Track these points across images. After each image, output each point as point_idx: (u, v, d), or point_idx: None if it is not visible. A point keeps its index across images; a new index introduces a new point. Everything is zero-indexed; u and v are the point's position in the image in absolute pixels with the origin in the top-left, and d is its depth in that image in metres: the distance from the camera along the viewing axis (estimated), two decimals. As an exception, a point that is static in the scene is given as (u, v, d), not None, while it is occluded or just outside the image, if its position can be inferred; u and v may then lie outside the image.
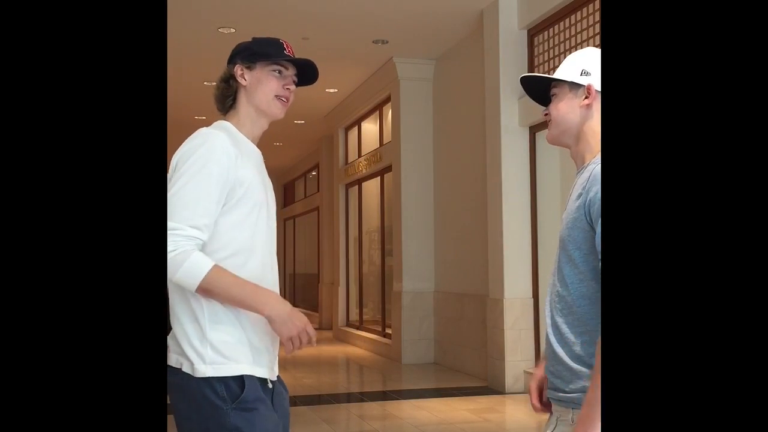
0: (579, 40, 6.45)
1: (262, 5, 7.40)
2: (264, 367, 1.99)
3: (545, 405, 1.93)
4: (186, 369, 1.92)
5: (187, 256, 1.84)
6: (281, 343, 1.98)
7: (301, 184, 17.85)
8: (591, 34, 6.27)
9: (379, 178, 10.86)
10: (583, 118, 1.84)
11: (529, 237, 7.09)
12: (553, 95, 1.90)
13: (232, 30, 7.99)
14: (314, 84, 2.20)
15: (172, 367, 1.95)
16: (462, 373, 8.30)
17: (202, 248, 1.91)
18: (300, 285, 18.12)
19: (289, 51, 2.09)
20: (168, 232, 1.83)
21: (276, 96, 2.08)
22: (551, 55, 6.90)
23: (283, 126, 12.26)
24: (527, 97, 7.66)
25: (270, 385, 2.02)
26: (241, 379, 1.92)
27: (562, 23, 6.71)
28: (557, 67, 7.60)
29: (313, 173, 16.33)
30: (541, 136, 7.01)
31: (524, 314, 7.04)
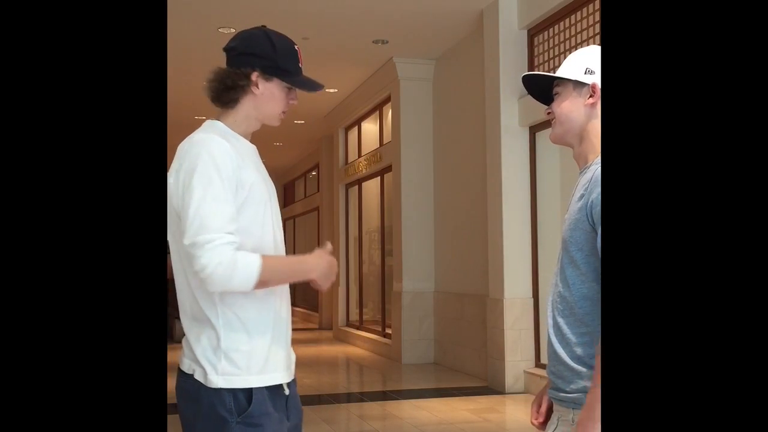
0: (579, 40, 6.45)
1: (262, 5, 7.40)
2: (280, 372, 1.98)
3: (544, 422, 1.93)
4: (198, 377, 1.90)
5: (234, 262, 1.82)
6: (318, 284, 2.02)
7: (301, 184, 17.84)
8: (591, 34, 6.27)
9: (379, 178, 10.86)
10: (587, 117, 1.83)
11: (529, 237, 7.09)
12: (555, 94, 1.89)
13: (232, 30, 7.98)
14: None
15: (183, 372, 1.94)
16: (462, 373, 8.30)
17: None
18: (300, 285, 17.92)
19: (300, 59, 2.07)
20: (206, 246, 1.80)
21: (282, 111, 2.07)
22: (551, 55, 6.90)
23: (283, 126, 12.17)
24: (527, 97, 7.64)
25: (286, 390, 2.01)
26: (249, 392, 1.90)
27: (562, 23, 6.70)
28: (557, 66, 7.58)
29: (313, 173, 16.33)
30: (541, 136, 7.01)
31: (524, 314, 7.04)
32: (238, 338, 1.91)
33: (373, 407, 6.73)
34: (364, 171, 11.26)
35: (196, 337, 1.93)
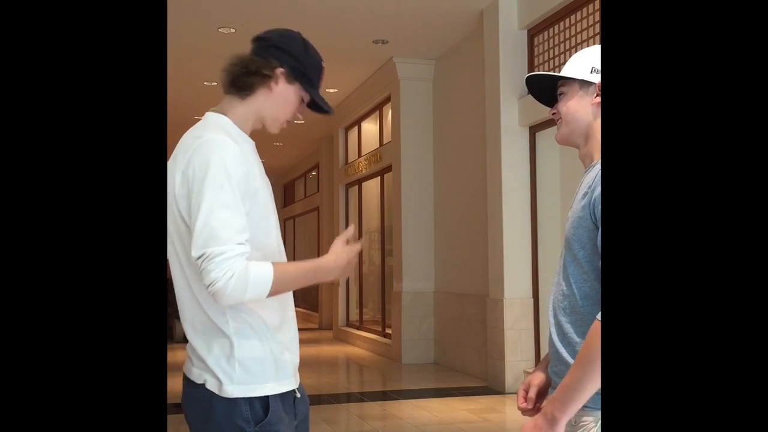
0: (579, 40, 6.45)
1: (262, 5, 7.40)
2: (289, 378, 1.95)
3: (532, 408, 1.93)
4: (210, 386, 1.86)
5: (247, 275, 1.76)
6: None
7: (301, 184, 17.83)
8: (591, 34, 6.27)
9: (379, 178, 10.86)
10: (594, 116, 1.82)
11: (529, 237, 7.09)
12: (560, 94, 1.87)
13: (232, 30, 7.99)
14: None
15: (192, 381, 1.89)
16: (462, 373, 8.30)
17: None
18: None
19: (322, 78, 2.08)
20: (216, 259, 1.74)
21: (287, 119, 2.04)
22: (551, 55, 6.90)
23: (283, 126, 12.24)
24: (527, 97, 7.61)
25: (298, 394, 2.00)
26: (266, 400, 1.87)
27: (562, 23, 6.70)
28: (557, 66, 7.54)
29: (313, 173, 16.33)
30: (541, 136, 7.01)
31: (524, 314, 7.04)
32: (251, 345, 1.87)
33: (373, 407, 6.73)
34: (364, 171, 11.26)
35: (206, 346, 1.87)
